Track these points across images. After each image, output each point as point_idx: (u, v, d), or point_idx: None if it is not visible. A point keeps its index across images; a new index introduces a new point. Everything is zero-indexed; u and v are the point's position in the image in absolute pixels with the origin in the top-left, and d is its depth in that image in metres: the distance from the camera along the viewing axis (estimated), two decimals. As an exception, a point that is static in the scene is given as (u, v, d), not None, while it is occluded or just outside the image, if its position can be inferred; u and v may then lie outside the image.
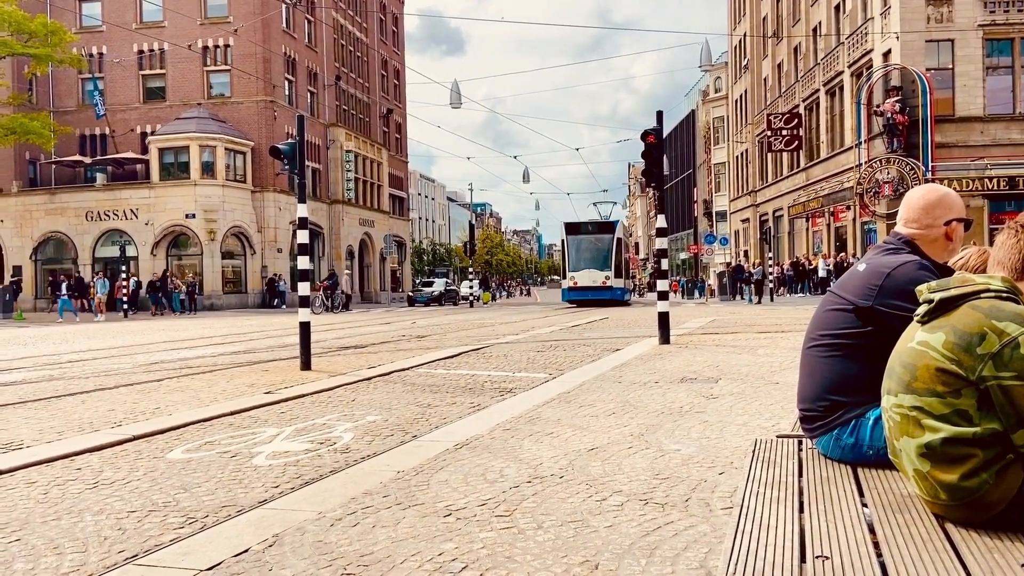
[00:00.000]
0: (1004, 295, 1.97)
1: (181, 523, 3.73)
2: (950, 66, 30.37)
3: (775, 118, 41.61)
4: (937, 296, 2.02)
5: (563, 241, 31.47)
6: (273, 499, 4.10)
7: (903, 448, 2.03)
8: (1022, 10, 30.24)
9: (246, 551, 3.24)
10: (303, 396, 7.82)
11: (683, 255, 71.44)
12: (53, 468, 4.92)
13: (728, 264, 45.99)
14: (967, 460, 1.90)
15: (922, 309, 2.06)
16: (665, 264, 13.04)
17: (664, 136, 13.78)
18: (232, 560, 3.15)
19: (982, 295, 1.97)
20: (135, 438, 5.75)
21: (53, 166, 41.02)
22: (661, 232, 13.07)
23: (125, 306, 32.56)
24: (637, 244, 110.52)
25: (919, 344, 2.00)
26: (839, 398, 2.55)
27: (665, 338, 12.55)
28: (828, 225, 38.58)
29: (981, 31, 30.12)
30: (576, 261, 30.78)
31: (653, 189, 13.06)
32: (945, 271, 2.61)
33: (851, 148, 34.47)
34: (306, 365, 10.19)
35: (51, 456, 5.18)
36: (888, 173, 30.53)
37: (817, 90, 39.15)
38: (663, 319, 12.71)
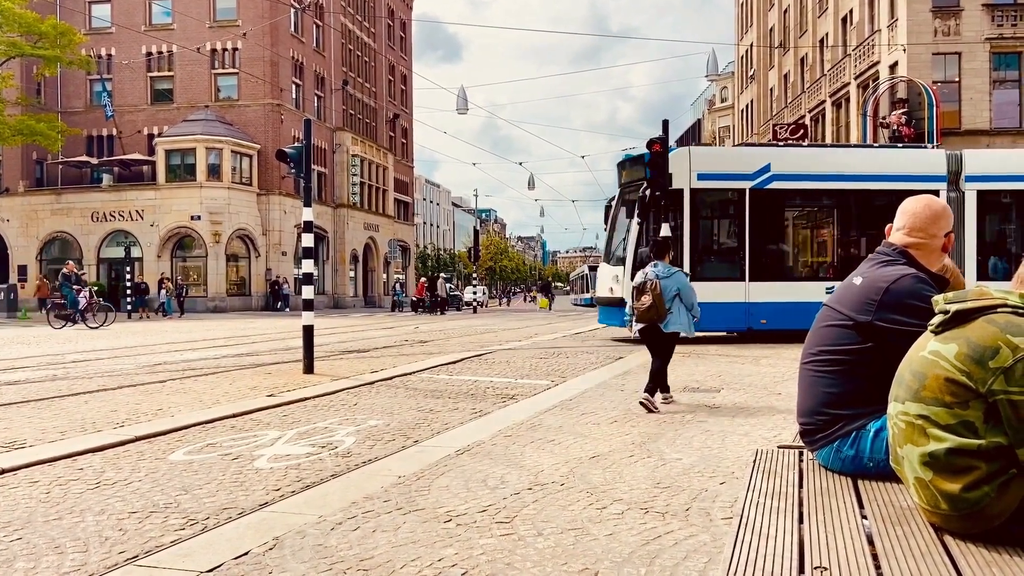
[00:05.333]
0: (1021, 311, 1.97)
1: (182, 524, 3.74)
2: (957, 79, 30.35)
3: (781, 128, 41.54)
4: (953, 307, 2.02)
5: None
6: (274, 502, 4.11)
7: (906, 456, 2.03)
8: (1030, 24, 30.23)
9: (246, 554, 3.25)
10: (305, 400, 7.83)
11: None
12: (55, 468, 4.94)
13: None
14: (970, 472, 1.90)
15: (937, 319, 2.06)
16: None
17: (670, 144, 13.82)
18: (232, 562, 3.15)
19: (999, 310, 1.97)
20: (137, 439, 5.77)
21: (60, 166, 41.14)
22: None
23: (129, 306, 32.53)
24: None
25: (931, 353, 2.00)
26: (839, 411, 2.55)
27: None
28: (833, 236, 38.55)
29: (988, 44, 30.11)
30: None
31: (658, 197, 13.08)
32: (941, 282, 2.62)
33: (857, 159, 34.44)
34: (309, 368, 10.20)
35: (53, 456, 5.20)
36: (893, 185, 30.50)
37: (823, 101, 39.16)
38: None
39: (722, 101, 63.54)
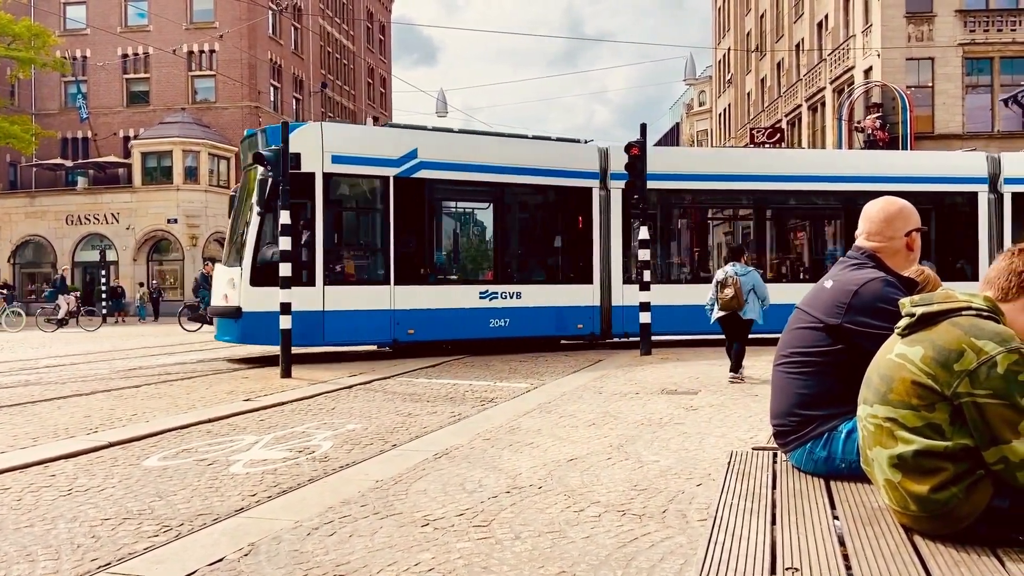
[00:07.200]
0: (985, 314, 2.00)
1: (156, 531, 3.70)
2: (930, 84, 30.75)
3: (758, 132, 41.92)
4: (919, 310, 2.04)
5: None
6: (250, 508, 4.08)
7: (875, 458, 2.06)
8: (1001, 29, 30.71)
9: (221, 560, 3.22)
10: (283, 404, 7.79)
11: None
12: (27, 474, 4.87)
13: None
14: (938, 473, 1.92)
15: (903, 322, 2.08)
16: (648, 275, 13.09)
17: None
18: (207, 569, 3.13)
19: (963, 312, 1.99)
20: (111, 445, 5.70)
21: (34, 169, 40.61)
22: (644, 244, 13.13)
23: (104, 310, 32.13)
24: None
25: (897, 356, 2.03)
26: (811, 413, 2.58)
27: (647, 349, 12.59)
28: (809, 239, 38.86)
29: (961, 49, 30.53)
30: None
31: (637, 200, 13.10)
32: (910, 285, 2.65)
33: (833, 163, 34.76)
34: (287, 372, 10.14)
35: (25, 462, 5.13)
36: (869, 188, 30.81)
37: (799, 105, 39.52)
38: (645, 330, 12.75)
39: (700, 105, 63.98)
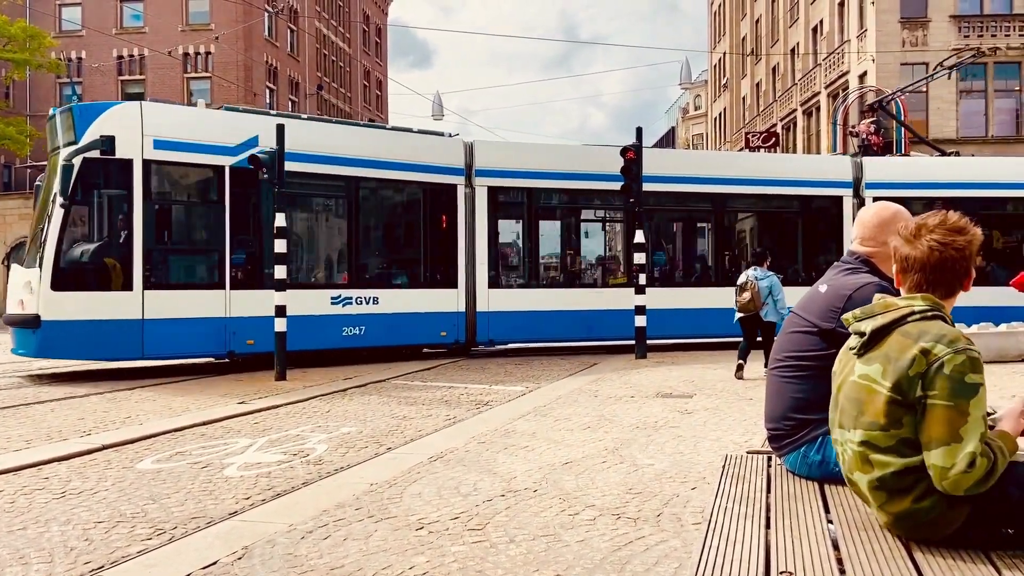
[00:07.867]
0: (929, 314, 2.01)
1: (149, 534, 3.69)
2: (924, 89, 30.86)
3: (753, 137, 41.93)
4: (868, 327, 2.05)
5: None
6: (244, 511, 4.06)
7: (857, 481, 2.07)
8: (995, 35, 30.85)
9: (215, 563, 3.21)
10: (277, 407, 7.77)
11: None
12: (20, 477, 4.85)
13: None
14: (917, 485, 1.93)
15: (854, 341, 2.09)
16: (643, 279, 13.10)
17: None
18: (201, 572, 3.12)
19: (908, 319, 2.01)
20: (104, 447, 5.69)
21: (28, 170, 40.50)
22: (639, 247, 13.14)
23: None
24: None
25: (861, 378, 2.03)
26: (806, 416, 2.58)
27: (642, 353, 12.59)
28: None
29: (955, 55, 30.66)
30: None
31: (632, 204, 13.11)
32: None
33: (827, 167, 34.83)
34: (281, 375, 10.11)
35: (18, 465, 5.11)
36: (863, 193, 30.88)
37: (794, 110, 39.61)
38: (640, 333, 12.76)
39: (695, 109, 64.08)
